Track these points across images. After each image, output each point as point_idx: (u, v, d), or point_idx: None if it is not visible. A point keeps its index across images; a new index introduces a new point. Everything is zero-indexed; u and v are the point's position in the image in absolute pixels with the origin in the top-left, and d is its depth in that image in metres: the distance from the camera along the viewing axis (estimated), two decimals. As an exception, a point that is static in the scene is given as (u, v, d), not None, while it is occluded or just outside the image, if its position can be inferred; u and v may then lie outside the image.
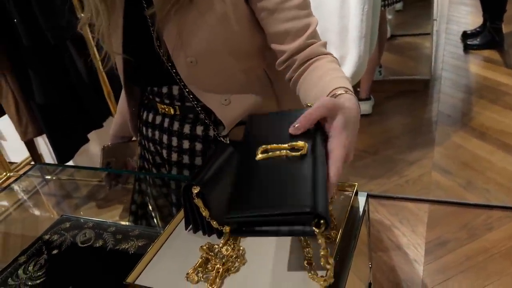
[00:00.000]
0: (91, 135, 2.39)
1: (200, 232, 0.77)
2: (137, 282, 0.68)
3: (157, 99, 0.98)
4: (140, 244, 0.95)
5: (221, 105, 0.90)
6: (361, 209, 0.78)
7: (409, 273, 1.82)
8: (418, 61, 3.57)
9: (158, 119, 1.00)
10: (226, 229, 0.72)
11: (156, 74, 0.94)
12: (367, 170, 2.40)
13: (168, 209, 1.10)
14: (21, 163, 2.84)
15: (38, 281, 0.89)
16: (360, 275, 0.83)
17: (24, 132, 2.20)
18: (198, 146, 0.97)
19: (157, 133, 1.01)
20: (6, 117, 2.52)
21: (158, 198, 1.12)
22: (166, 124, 0.99)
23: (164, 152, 1.01)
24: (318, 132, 0.62)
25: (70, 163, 2.41)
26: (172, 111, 0.97)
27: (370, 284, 0.89)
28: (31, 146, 2.51)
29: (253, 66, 0.91)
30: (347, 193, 0.80)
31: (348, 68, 1.74)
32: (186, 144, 0.98)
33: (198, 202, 0.70)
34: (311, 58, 0.83)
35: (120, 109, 1.14)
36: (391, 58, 3.62)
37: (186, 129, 0.97)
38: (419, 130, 2.77)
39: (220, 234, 0.74)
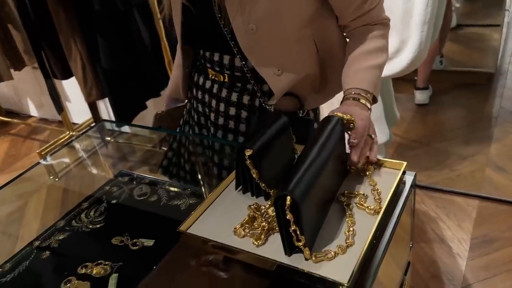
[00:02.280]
0: (149, 103, 2.49)
1: (248, 193, 0.81)
2: (189, 231, 0.74)
3: (208, 65, 1.03)
4: (191, 202, 1.01)
5: (273, 76, 0.94)
6: (407, 188, 0.79)
7: (450, 267, 1.79)
8: (483, 53, 3.40)
9: (208, 83, 1.05)
10: (273, 192, 0.76)
11: (211, 40, 0.99)
12: (417, 161, 2.35)
13: (201, 168, 1.16)
14: (82, 124, 3.02)
15: (98, 226, 0.97)
16: (399, 253, 0.84)
17: (88, 94, 2.34)
18: (244, 114, 1.03)
19: (206, 96, 1.06)
20: (71, 80, 2.68)
21: (193, 157, 1.18)
22: (215, 90, 1.04)
23: (212, 115, 1.07)
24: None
25: (126, 128, 2.53)
26: (221, 78, 1.02)
27: (409, 263, 0.91)
28: (93, 108, 2.66)
29: (306, 36, 0.94)
30: (395, 170, 0.81)
31: (408, 54, 1.71)
32: (232, 111, 1.03)
33: (250, 164, 0.74)
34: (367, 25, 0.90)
35: (176, 67, 1.20)
36: (454, 48, 3.47)
37: (234, 97, 1.01)
38: (477, 125, 2.66)
39: (267, 196, 0.78)
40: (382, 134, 1.94)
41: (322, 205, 0.73)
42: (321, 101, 1.06)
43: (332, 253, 0.66)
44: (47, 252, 0.91)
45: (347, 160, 0.82)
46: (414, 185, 0.80)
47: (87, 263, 0.85)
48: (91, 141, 1.62)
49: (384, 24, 0.94)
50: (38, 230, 0.99)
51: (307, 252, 0.66)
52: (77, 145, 1.63)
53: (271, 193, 0.77)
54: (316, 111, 1.10)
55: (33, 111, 3.49)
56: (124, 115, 2.32)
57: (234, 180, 0.83)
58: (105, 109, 3.02)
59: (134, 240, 0.90)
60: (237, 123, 1.04)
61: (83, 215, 1.01)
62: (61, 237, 0.95)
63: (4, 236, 1.53)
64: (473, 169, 2.27)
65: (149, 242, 0.89)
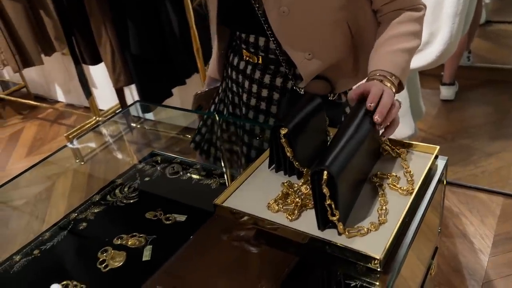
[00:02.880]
0: (174, 91, 2.53)
1: (281, 172, 0.83)
2: (224, 204, 0.76)
3: (243, 46, 1.04)
4: (221, 182, 1.04)
5: (304, 60, 0.95)
6: (439, 172, 0.80)
7: (472, 262, 1.78)
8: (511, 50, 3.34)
9: (242, 64, 1.07)
10: (306, 170, 0.78)
11: (246, 21, 1.00)
12: (441, 156, 2.33)
13: (232, 147, 1.18)
14: (108, 110, 3.08)
15: (131, 201, 1.01)
16: (428, 236, 0.85)
17: (116, 80, 2.39)
18: (276, 96, 1.04)
19: (240, 77, 1.08)
20: (98, 67, 2.74)
21: (225, 135, 1.20)
22: (248, 71, 1.06)
23: (244, 96, 1.09)
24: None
25: (150, 115, 2.58)
26: (255, 60, 1.04)
27: (436, 248, 0.92)
28: (120, 94, 2.71)
29: (339, 20, 0.94)
30: (427, 154, 0.82)
31: (437, 46, 1.70)
32: (264, 93, 1.05)
33: (284, 142, 0.76)
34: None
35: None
36: (483, 44, 3.41)
37: (267, 79, 1.03)
38: (503, 122, 2.62)
39: (299, 175, 0.80)
40: (407, 128, 1.93)
41: (356, 184, 0.75)
42: (352, 84, 1.05)
43: (365, 230, 0.68)
44: (84, 224, 0.95)
45: (380, 143, 0.83)
46: (446, 169, 0.81)
47: (122, 235, 0.89)
48: (117, 127, 1.66)
49: (418, 9, 0.93)
50: (64, 212, 1.02)
51: (341, 226, 0.68)
52: (103, 130, 1.67)
53: (304, 172, 0.79)
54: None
55: (60, 96, 3.57)
56: (151, 101, 2.37)
57: (267, 158, 0.85)
58: (131, 95, 3.08)
59: (167, 215, 0.93)
60: (268, 104, 1.06)
61: (117, 191, 1.04)
62: (96, 210, 0.99)
63: (32, 216, 1.59)
64: (498, 166, 2.25)
65: (181, 218, 0.92)
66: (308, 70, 0.95)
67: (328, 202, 0.66)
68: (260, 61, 1.03)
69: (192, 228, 0.88)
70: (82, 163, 1.62)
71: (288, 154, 0.77)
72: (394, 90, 0.85)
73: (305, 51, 0.93)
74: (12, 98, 3.46)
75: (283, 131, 0.75)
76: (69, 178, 2.11)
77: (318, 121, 0.83)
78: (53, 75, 3.45)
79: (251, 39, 1.01)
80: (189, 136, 1.81)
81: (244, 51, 1.05)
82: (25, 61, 2.78)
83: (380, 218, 0.70)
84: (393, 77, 0.85)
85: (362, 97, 0.80)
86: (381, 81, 0.84)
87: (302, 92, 1.00)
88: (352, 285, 0.68)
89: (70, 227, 0.95)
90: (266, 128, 1.09)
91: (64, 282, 0.80)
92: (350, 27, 0.95)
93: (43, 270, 0.87)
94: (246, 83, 1.07)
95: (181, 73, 2.35)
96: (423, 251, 0.83)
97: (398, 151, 0.84)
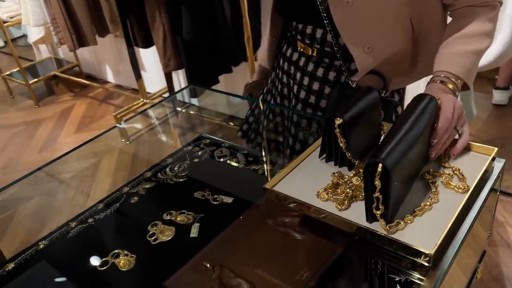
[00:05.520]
0: (220, 78, 2.57)
1: (331, 162, 0.84)
2: (274, 188, 0.78)
3: (299, 37, 1.04)
4: (268, 168, 1.06)
5: (362, 53, 0.93)
6: (495, 174, 0.78)
7: (514, 273, 1.73)
8: None
9: (295, 56, 1.07)
10: (358, 162, 0.78)
11: (305, 12, 0.99)
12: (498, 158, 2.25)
13: (278, 137, 1.19)
14: (155, 93, 3.16)
15: (181, 180, 1.04)
16: (478, 238, 0.84)
17: (166, 64, 2.45)
18: (327, 90, 1.03)
19: (292, 68, 1.08)
20: (148, 51, 2.81)
21: (272, 125, 1.21)
22: (301, 63, 1.05)
23: (295, 87, 1.08)
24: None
25: (195, 101, 2.63)
26: (310, 52, 1.03)
27: (484, 252, 0.90)
28: (169, 78, 2.78)
29: (403, 14, 0.92)
30: (483, 155, 0.80)
31: (497, 47, 1.64)
32: (315, 86, 1.04)
33: (339, 132, 0.77)
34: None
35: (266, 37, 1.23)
36: (543, 49, 3.25)
37: (320, 72, 1.02)
38: (558, 131, 2.50)
39: (351, 166, 0.80)
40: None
41: (407, 179, 0.75)
42: (406, 82, 1.04)
43: (415, 224, 0.68)
44: (135, 198, 0.99)
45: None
46: (502, 172, 0.79)
47: (171, 211, 0.93)
48: (164, 110, 1.71)
49: (492, 6, 0.89)
50: (109, 189, 1.06)
51: (383, 222, 0.68)
52: (150, 112, 1.72)
53: (355, 164, 0.79)
54: (402, 94, 1.09)
55: (110, 77, 3.70)
56: (199, 86, 2.41)
57: (319, 147, 0.86)
58: (177, 80, 3.15)
59: (215, 196, 0.96)
60: (318, 98, 1.05)
61: (168, 169, 1.08)
62: (147, 186, 1.03)
63: (78, 191, 1.67)
64: (550, 177, 2.15)
65: (228, 200, 0.94)
66: (365, 63, 0.94)
67: (376, 194, 0.66)
68: (314, 54, 1.02)
69: (238, 210, 0.90)
70: (128, 142, 1.68)
71: (341, 144, 0.78)
72: (457, 93, 0.85)
73: (364, 44, 0.92)
74: (65, 76, 3.61)
75: (338, 121, 0.76)
76: (114, 156, 2.19)
77: (373, 114, 0.83)
78: (104, 56, 3.57)
79: (308, 30, 1.00)
80: (232, 124, 1.84)
81: (299, 42, 1.04)
82: (81, 40, 2.90)
83: (431, 215, 0.70)
84: (458, 80, 0.85)
85: (420, 96, 0.79)
86: (445, 83, 0.84)
87: (354, 86, 0.99)
88: (396, 279, 0.68)
89: (122, 200, 0.99)
90: (313, 121, 1.10)
91: (116, 251, 0.84)
92: (413, 23, 0.94)
93: (96, 238, 0.92)
94: (298, 75, 1.07)
95: (230, 60, 2.38)
96: (471, 252, 0.82)
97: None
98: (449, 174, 0.77)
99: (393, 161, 0.66)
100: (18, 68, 3.45)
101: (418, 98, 0.78)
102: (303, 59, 1.05)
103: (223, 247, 0.82)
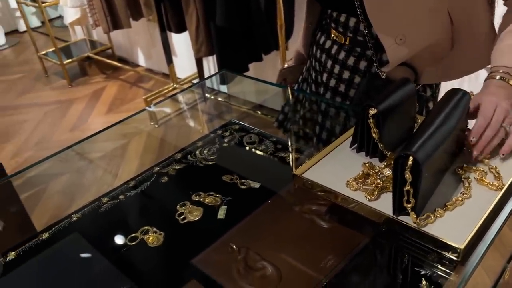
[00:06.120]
0: (249, 66, 2.57)
1: (362, 152, 0.84)
2: (304, 175, 0.78)
3: (333, 25, 1.03)
4: (296, 156, 1.06)
5: (394, 44, 0.91)
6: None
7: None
8: None
9: (328, 43, 1.06)
10: (390, 154, 0.78)
11: (340, 0, 0.98)
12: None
13: (311, 126, 1.19)
14: (185, 78, 3.20)
15: (210, 163, 1.06)
16: (508, 239, 0.82)
17: (198, 50, 2.47)
18: (357, 79, 1.02)
19: (324, 56, 1.07)
20: (180, 36, 2.84)
21: (307, 114, 1.21)
22: (333, 51, 1.04)
23: (325, 75, 1.08)
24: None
25: (225, 89, 2.65)
26: (342, 40, 1.02)
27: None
28: (199, 64, 2.80)
29: (439, 7, 0.89)
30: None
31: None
32: (346, 75, 1.03)
33: (372, 123, 0.76)
34: None
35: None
36: None
37: (351, 61, 1.01)
38: None
39: (382, 157, 0.80)
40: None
41: (438, 174, 0.74)
42: (440, 77, 1.01)
43: (446, 218, 0.67)
44: (165, 178, 1.01)
45: (466, 135, 0.81)
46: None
47: (200, 192, 0.94)
48: (193, 96, 1.73)
49: None
50: (136, 170, 1.09)
51: (414, 215, 0.68)
52: (179, 97, 1.75)
53: (387, 155, 0.79)
54: (435, 89, 1.07)
55: (141, 61, 3.75)
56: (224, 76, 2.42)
57: (350, 137, 0.86)
58: (207, 67, 3.17)
59: (242, 180, 0.97)
60: (348, 87, 1.05)
61: (197, 152, 1.10)
62: (177, 167, 1.05)
63: (106, 171, 1.71)
64: None
65: (256, 185, 0.95)
66: (397, 55, 0.92)
67: (407, 188, 0.66)
68: (347, 42, 1.01)
69: (265, 196, 0.91)
70: (156, 126, 1.71)
71: (374, 135, 0.77)
72: None
73: (397, 35, 0.90)
74: (98, 58, 3.69)
75: (372, 112, 0.75)
76: (143, 139, 2.23)
77: (408, 106, 0.82)
78: (137, 39, 3.63)
79: (342, 18, 1.00)
80: (260, 113, 1.84)
81: (333, 30, 1.04)
82: (115, 23, 2.95)
83: (463, 210, 0.69)
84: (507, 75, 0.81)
85: (453, 90, 0.78)
86: (506, 80, 0.80)
87: (383, 77, 0.97)
88: (422, 273, 0.68)
89: (153, 179, 1.02)
90: (342, 111, 1.09)
91: (145, 227, 0.87)
92: (451, 15, 0.90)
93: (126, 214, 0.95)
94: (329, 63, 1.06)
95: (261, 48, 2.37)
96: (500, 251, 0.81)
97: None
98: (483, 170, 0.76)
99: (425, 155, 0.65)
100: (53, 48, 3.54)
101: (452, 92, 0.77)
102: (335, 47, 1.04)
103: (249, 230, 0.83)
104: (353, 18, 0.98)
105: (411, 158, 0.64)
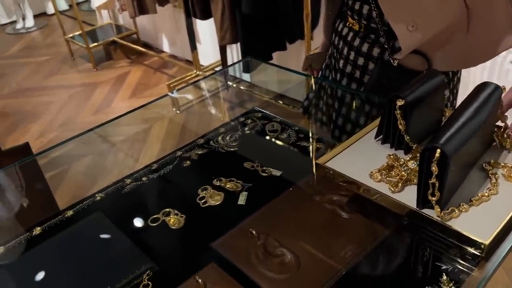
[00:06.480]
0: (273, 55, 2.56)
1: (387, 144, 0.83)
2: (327, 164, 0.78)
3: (349, 13, 1.04)
4: (318, 146, 1.06)
5: (406, 31, 0.90)
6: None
7: None
8: None
9: (345, 31, 1.08)
10: (416, 147, 0.76)
11: None
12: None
13: (334, 113, 1.19)
14: (208, 66, 3.21)
15: (231, 149, 1.06)
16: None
17: (222, 37, 2.47)
18: (371, 66, 1.03)
19: (341, 42, 1.09)
20: (204, 24, 2.84)
21: (330, 100, 1.21)
22: (349, 38, 1.06)
23: (341, 62, 1.10)
24: None
25: (247, 77, 2.64)
26: (357, 27, 1.03)
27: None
28: (223, 52, 2.80)
29: None
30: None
31: None
32: (360, 61, 1.05)
33: (399, 114, 0.75)
34: None
35: None
36: None
37: (365, 47, 1.03)
38: None
39: (408, 149, 0.79)
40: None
41: (464, 168, 0.73)
42: (456, 66, 1.00)
43: (470, 213, 0.66)
44: (188, 162, 1.02)
45: (494, 131, 0.79)
46: None
47: (221, 178, 0.95)
48: (216, 83, 1.73)
49: None
50: (157, 155, 1.09)
51: (438, 209, 0.67)
52: (202, 84, 1.75)
53: (413, 148, 0.78)
54: (451, 78, 1.05)
55: (166, 47, 3.77)
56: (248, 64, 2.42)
57: (375, 128, 0.85)
58: (231, 55, 3.17)
59: (264, 168, 0.97)
60: (362, 74, 1.06)
61: (219, 138, 1.10)
62: (199, 152, 1.06)
63: (127, 155, 1.73)
64: None
65: (277, 172, 0.95)
66: (409, 42, 0.91)
67: (432, 181, 0.65)
68: (362, 29, 1.02)
69: (286, 184, 0.91)
70: (178, 112, 1.72)
71: (400, 127, 0.76)
72: None
73: (408, 22, 0.89)
74: (124, 42, 3.73)
75: (400, 103, 0.74)
76: (165, 124, 2.26)
77: (436, 98, 0.80)
78: (162, 25, 3.65)
79: (356, 6, 1.00)
80: (281, 102, 1.84)
81: (349, 17, 1.05)
82: (141, 8, 2.97)
83: (489, 206, 0.67)
84: None
85: (484, 84, 0.76)
86: None
87: (395, 64, 0.96)
88: (443, 267, 0.67)
89: (175, 163, 1.03)
90: (357, 98, 1.09)
91: (167, 209, 0.88)
92: (467, 1, 0.88)
93: (148, 195, 0.97)
94: (345, 50, 1.08)
95: (286, 37, 2.36)
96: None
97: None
98: (511, 167, 0.74)
99: (452, 148, 0.64)
100: (80, 32, 3.59)
101: (482, 86, 0.75)
102: (351, 34, 1.06)
103: (269, 217, 0.83)
104: (366, 6, 0.98)
105: (438, 150, 0.63)
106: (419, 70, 0.96)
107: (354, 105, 1.13)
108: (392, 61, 0.96)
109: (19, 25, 4.79)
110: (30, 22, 4.78)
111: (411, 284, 0.67)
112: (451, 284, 0.64)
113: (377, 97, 1.06)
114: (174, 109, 1.69)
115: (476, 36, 0.91)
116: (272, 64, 1.51)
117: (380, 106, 1.07)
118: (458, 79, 1.09)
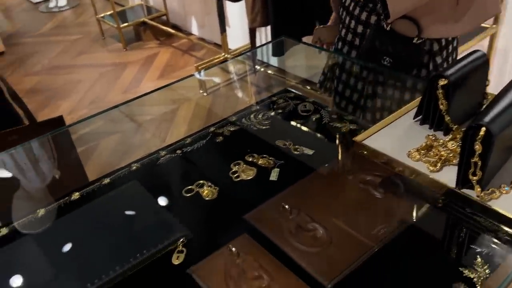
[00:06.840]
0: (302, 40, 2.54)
1: (425, 125, 0.81)
2: (364, 142, 0.77)
3: None
4: (351, 127, 1.05)
5: None
6: None
7: None
8: None
9: (348, 1, 1.13)
10: (456, 128, 0.75)
11: None
12: None
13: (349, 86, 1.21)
14: (236, 49, 3.20)
15: (263, 127, 1.07)
16: None
17: (253, 19, 2.45)
18: (369, 33, 1.07)
19: (344, 13, 1.15)
20: (234, 6, 2.82)
21: (344, 74, 1.22)
22: (351, 8, 1.12)
23: (343, 31, 1.16)
24: None
25: (275, 62, 2.63)
26: None
27: None
28: (252, 35, 2.79)
29: None
30: None
31: None
32: (359, 29, 1.10)
33: (441, 93, 0.74)
34: None
35: None
36: None
37: (363, 16, 1.08)
38: None
39: (447, 130, 0.78)
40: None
41: (508, 149, 0.71)
42: (447, 32, 0.99)
43: (511, 196, 0.65)
44: (220, 138, 1.03)
45: None
46: None
47: (253, 154, 0.96)
48: (243, 67, 1.73)
49: None
50: (184, 134, 1.09)
51: (478, 188, 0.66)
52: (230, 67, 1.75)
53: (453, 129, 0.76)
54: (445, 46, 1.04)
55: (194, 29, 3.78)
56: (280, 46, 2.41)
57: (414, 109, 0.84)
58: (259, 39, 3.15)
59: (296, 146, 0.97)
60: (361, 40, 1.10)
61: (252, 116, 1.11)
62: (232, 129, 1.06)
63: (154, 136, 1.75)
64: None
65: (309, 151, 0.95)
66: (397, 7, 0.93)
67: (475, 159, 0.64)
68: None
69: (318, 162, 0.91)
70: (205, 94, 1.73)
71: (441, 107, 0.75)
72: None
73: None
74: (153, 23, 3.74)
75: (442, 82, 0.73)
76: (192, 105, 2.27)
77: (479, 80, 0.79)
78: (192, 7, 3.65)
79: None
80: (309, 88, 1.83)
81: None
82: (173, -11, 2.97)
83: (532, 189, 0.66)
84: None
85: None
86: None
87: (388, 29, 1.00)
88: (477, 250, 0.66)
89: (208, 138, 1.04)
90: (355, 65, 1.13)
91: (200, 181, 0.89)
92: None
93: (182, 167, 0.98)
94: (347, 19, 1.13)
95: (317, 21, 2.33)
96: None
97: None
98: (556, 151, 0.72)
99: (498, 127, 0.63)
100: (111, 12, 3.63)
101: None
102: (352, 4, 1.11)
103: (301, 193, 0.83)
104: None
105: (483, 128, 0.62)
106: (410, 36, 0.99)
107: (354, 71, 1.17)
108: (385, 26, 1.01)
109: (52, 4, 4.87)
110: (63, 1, 4.85)
111: (444, 265, 0.67)
112: (486, 266, 0.63)
113: (370, 61, 1.10)
114: (201, 91, 1.70)
115: (466, 3, 0.92)
116: (307, 44, 1.49)
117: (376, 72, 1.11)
118: (454, 48, 1.09)
